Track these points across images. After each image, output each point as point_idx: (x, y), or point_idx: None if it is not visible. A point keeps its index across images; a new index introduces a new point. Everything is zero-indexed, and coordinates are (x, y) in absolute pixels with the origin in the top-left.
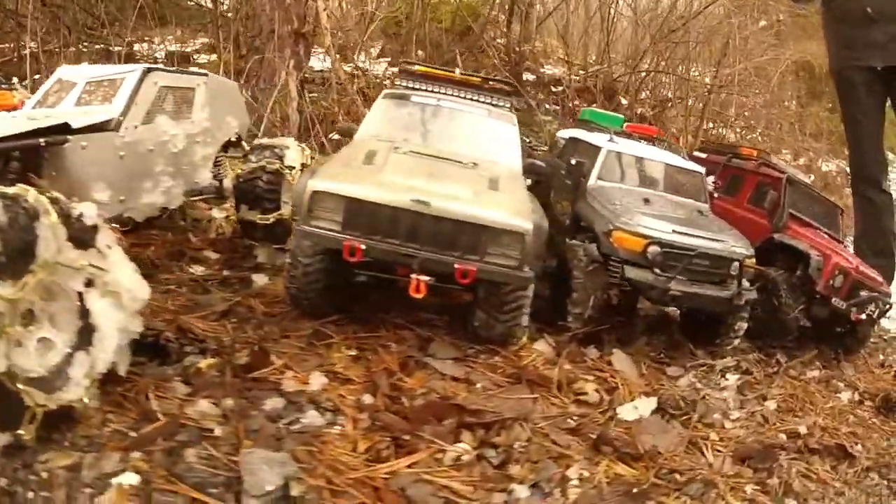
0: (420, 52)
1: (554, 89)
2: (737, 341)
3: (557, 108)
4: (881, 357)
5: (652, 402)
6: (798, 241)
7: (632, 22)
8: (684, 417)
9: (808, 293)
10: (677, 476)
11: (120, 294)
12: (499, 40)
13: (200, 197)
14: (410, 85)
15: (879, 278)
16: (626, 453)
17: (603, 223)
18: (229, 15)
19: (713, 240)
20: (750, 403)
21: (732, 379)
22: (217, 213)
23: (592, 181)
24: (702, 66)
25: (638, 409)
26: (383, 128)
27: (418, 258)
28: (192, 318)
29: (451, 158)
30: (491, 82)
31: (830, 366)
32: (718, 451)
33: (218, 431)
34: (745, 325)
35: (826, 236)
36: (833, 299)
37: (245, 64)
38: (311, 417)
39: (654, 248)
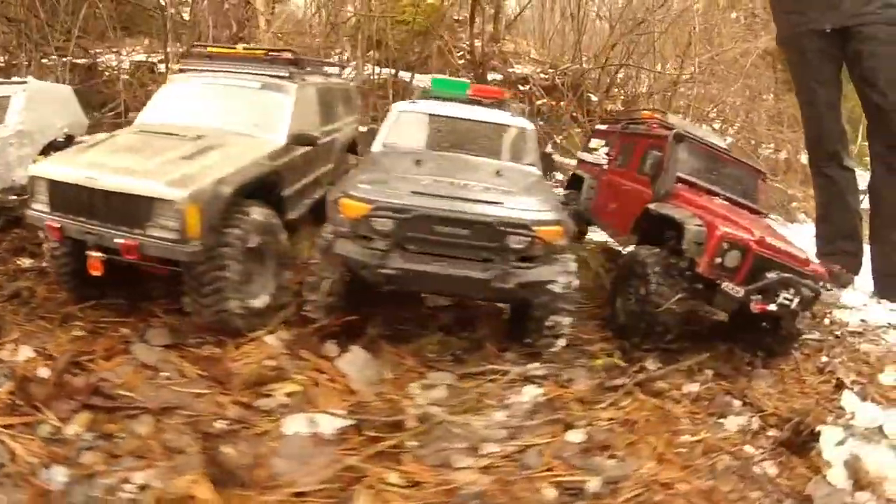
0: (373, 53)
1: (521, 88)
2: (560, 342)
3: (525, 105)
4: (824, 359)
5: (339, 419)
6: (674, 209)
7: (602, 19)
8: (388, 443)
9: (699, 278)
10: None
11: None
12: (468, 42)
13: None
14: (196, 66)
15: (802, 255)
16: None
17: (336, 191)
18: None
19: (480, 202)
20: (535, 431)
21: (531, 394)
22: None
23: (377, 146)
24: (672, 59)
25: (316, 423)
26: (153, 112)
27: (93, 235)
28: None
29: (179, 133)
30: (271, 54)
31: (736, 375)
32: None
33: None
34: (563, 320)
35: (730, 204)
36: (724, 284)
37: None
38: None
39: (378, 214)
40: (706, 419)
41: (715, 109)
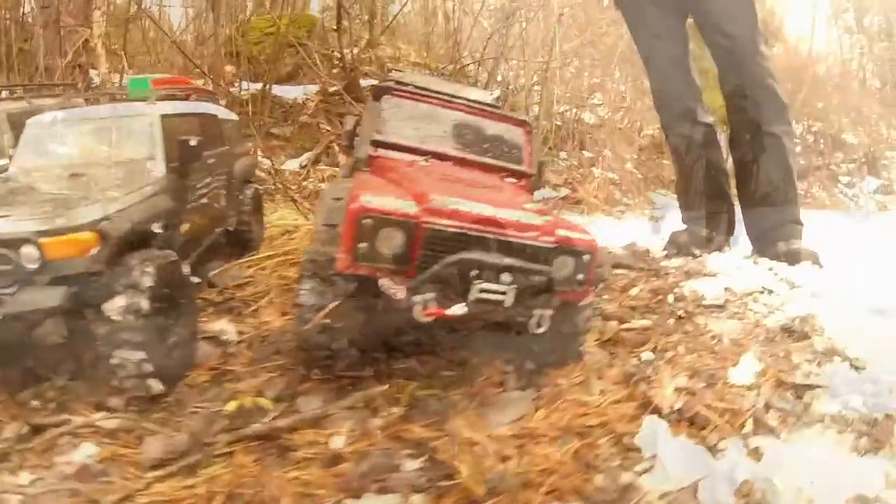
0: (229, 68)
1: None
2: (152, 383)
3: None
4: (646, 357)
5: None
6: (341, 187)
7: (467, 14)
8: None
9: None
10: None
11: None
12: (348, 50)
13: None
14: None
15: (534, 220)
16: None
17: None
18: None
19: None
20: None
21: (84, 453)
22: None
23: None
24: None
25: None
26: None
27: None
28: None
29: None
30: None
31: (465, 407)
32: None
33: None
34: (132, 356)
35: (460, 167)
36: (381, 282)
37: None
38: None
39: None
40: (327, 499)
41: (597, 96)
